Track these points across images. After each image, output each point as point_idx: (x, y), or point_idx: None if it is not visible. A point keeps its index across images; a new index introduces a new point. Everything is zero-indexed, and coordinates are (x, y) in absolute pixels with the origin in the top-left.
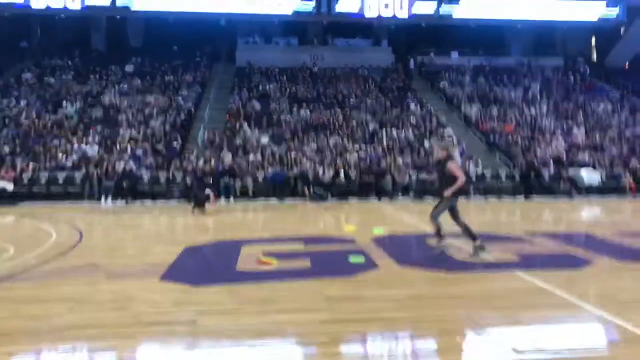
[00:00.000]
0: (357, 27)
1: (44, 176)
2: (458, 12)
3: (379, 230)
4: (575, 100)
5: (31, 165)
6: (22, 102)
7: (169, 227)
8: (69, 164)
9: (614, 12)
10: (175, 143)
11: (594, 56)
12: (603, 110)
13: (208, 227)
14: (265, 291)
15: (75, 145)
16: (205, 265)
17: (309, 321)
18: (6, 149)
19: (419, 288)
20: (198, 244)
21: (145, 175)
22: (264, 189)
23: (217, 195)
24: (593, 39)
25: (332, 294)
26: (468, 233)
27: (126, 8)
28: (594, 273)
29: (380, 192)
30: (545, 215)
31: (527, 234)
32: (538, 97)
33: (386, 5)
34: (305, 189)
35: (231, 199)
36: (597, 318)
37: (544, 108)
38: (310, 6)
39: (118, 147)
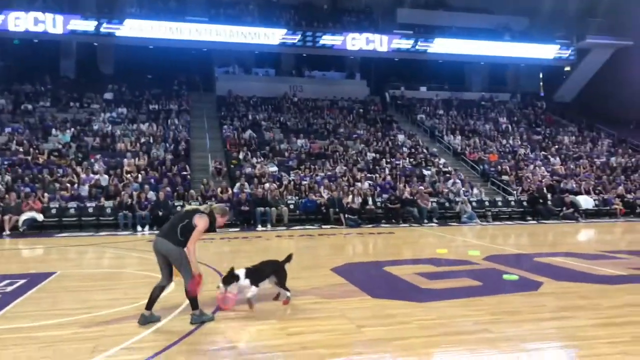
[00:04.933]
0: (330, 60)
1: (54, 206)
2: (432, 49)
3: (475, 252)
4: (543, 133)
5: (46, 195)
6: (6, 129)
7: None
8: (83, 193)
9: (566, 53)
10: (185, 172)
11: (542, 92)
12: (569, 142)
13: (331, 251)
14: (486, 304)
15: (83, 175)
16: (388, 284)
17: (587, 325)
18: (7, 177)
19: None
20: (338, 266)
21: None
22: (295, 217)
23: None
24: (541, 76)
25: (555, 304)
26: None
27: (110, 35)
28: None
29: (406, 219)
30: (594, 236)
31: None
32: (510, 129)
33: (368, 41)
34: (341, 215)
35: (268, 226)
36: None
37: (518, 139)
38: (296, 39)
39: (128, 176)
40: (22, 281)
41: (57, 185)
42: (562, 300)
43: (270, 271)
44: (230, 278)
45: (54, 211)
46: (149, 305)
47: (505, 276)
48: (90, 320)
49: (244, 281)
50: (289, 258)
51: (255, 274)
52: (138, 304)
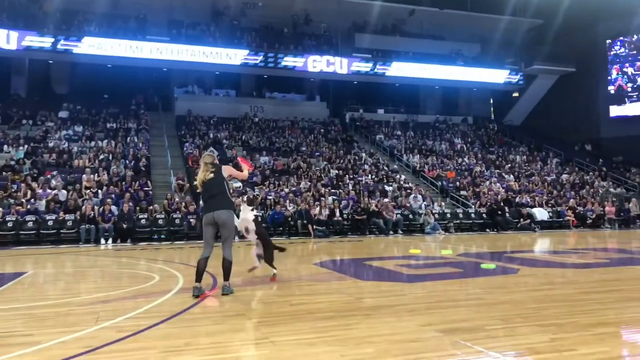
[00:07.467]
0: (290, 82)
1: (10, 219)
2: (390, 72)
3: (447, 251)
4: (496, 152)
5: (0, 210)
6: None
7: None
8: (41, 208)
9: (515, 78)
10: (147, 188)
11: (492, 116)
12: (521, 160)
13: (308, 253)
14: (472, 282)
15: (40, 191)
16: (373, 272)
17: (574, 293)
18: None
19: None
20: (319, 262)
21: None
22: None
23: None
24: (491, 102)
25: (537, 281)
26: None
27: (67, 52)
28: None
29: (372, 230)
30: (554, 240)
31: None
32: (465, 148)
33: (328, 63)
34: (309, 226)
35: (236, 238)
36: None
37: (473, 158)
38: (258, 59)
39: (87, 191)
40: None
41: (12, 200)
42: (542, 279)
43: None
44: None
45: (10, 224)
46: (199, 278)
47: (483, 265)
48: (81, 302)
49: None
50: None
51: None
52: (124, 290)
